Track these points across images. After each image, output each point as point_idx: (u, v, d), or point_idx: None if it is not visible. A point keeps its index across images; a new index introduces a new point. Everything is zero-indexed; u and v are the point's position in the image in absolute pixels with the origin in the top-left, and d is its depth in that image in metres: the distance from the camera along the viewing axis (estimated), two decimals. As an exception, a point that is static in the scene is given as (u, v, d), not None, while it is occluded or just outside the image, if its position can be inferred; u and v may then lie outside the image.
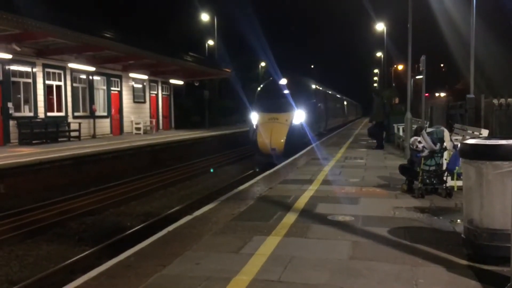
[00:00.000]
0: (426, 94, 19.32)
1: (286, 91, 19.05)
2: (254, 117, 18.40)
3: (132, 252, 4.97)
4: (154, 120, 28.98)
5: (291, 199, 7.58)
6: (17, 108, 18.48)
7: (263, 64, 53.74)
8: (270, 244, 5.10)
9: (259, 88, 21.91)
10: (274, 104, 18.49)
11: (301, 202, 7.34)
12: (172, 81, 31.26)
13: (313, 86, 23.29)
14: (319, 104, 23.05)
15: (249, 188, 8.82)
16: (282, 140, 17.30)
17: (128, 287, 3.97)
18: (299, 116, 18.10)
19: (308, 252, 4.82)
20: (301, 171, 11.15)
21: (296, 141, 17.42)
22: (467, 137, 9.00)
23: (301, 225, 5.88)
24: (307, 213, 6.60)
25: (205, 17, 39.21)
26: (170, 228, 5.90)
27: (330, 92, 31.01)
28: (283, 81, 20.04)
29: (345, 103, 44.68)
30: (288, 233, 5.54)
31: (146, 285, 4.02)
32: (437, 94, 52.38)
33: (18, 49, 17.06)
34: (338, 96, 38.10)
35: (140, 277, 4.18)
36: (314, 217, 6.32)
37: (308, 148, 17.11)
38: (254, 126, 18.11)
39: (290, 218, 6.27)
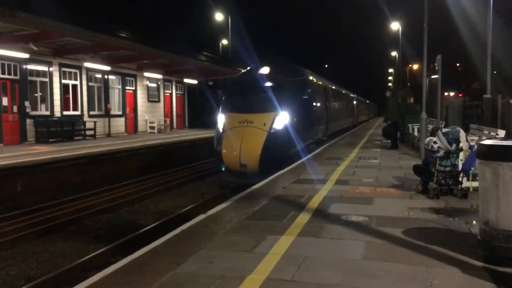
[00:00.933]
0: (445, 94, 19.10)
1: (268, 84, 13.78)
2: (221, 119, 13.21)
3: (147, 250, 5.01)
4: (168, 119, 29.16)
5: (304, 198, 7.57)
6: (34, 107, 18.75)
7: None
8: (283, 243, 5.10)
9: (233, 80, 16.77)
10: (249, 101, 13.40)
11: (315, 201, 7.32)
12: (186, 80, 31.41)
13: (308, 78, 16.93)
14: (316, 103, 17.14)
15: (262, 188, 8.83)
16: (256, 153, 11.95)
17: (143, 285, 4.01)
18: (283, 118, 12.76)
19: (321, 252, 4.81)
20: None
21: (278, 153, 12.20)
22: (484, 137, 8.90)
23: (315, 225, 5.87)
24: (321, 213, 6.58)
25: (219, 16, 39.30)
26: (184, 227, 5.93)
27: (333, 88, 24.83)
28: (265, 70, 14.47)
29: (354, 102, 38.83)
30: (301, 232, 5.54)
31: (161, 282, 4.06)
32: (446, 93, 51.77)
33: (35, 48, 17.31)
34: (343, 91, 31.24)
35: (154, 275, 4.22)
36: (328, 217, 6.31)
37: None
38: (220, 132, 12.92)
39: (303, 217, 6.26)
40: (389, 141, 16.79)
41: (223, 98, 14.91)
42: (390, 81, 79.25)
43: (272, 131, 12.41)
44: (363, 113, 50.00)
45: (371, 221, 6.03)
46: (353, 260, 4.55)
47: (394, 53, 58.00)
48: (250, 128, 12.42)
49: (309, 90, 16.06)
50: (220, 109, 13.88)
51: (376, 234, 5.42)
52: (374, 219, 6.14)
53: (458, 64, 62.27)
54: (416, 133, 15.99)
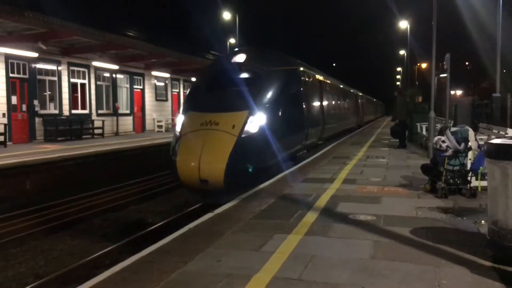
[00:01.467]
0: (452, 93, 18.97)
1: (243, 75, 11.11)
2: (179, 120, 10.44)
3: (154, 248, 5.03)
4: (175, 118, 29.23)
5: (312, 197, 7.55)
6: (43, 106, 18.88)
7: None
8: (290, 242, 5.10)
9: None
10: (216, 97, 10.58)
11: (322, 200, 7.31)
12: (194, 79, 31.48)
13: (297, 69, 13.57)
14: (308, 99, 14.09)
15: (269, 186, 8.83)
16: (221, 164, 9.05)
17: (151, 283, 4.02)
18: (259, 118, 9.89)
19: (329, 251, 4.80)
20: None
21: (251, 164, 9.38)
22: (493, 136, 8.85)
23: (322, 224, 5.86)
24: (328, 212, 6.57)
25: (227, 15, 39.33)
26: (191, 225, 5.94)
27: (332, 82, 21.25)
28: (240, 58, 11.66)
29: (359, 100, 35.40)
30: (309, 231, 5.53)
31: (168, 280, 4.07)
32: (452, 92, 51.40)
33: (44, 47, 17.42)
34: (345, 88, 27.17)
35: (162, 273, 4.23)
36: (335, 216, 6.29)
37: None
38: (177, 136, 10.10)
39: (311, 216, 6.25)
40: (397, 140, 16.72)
41: (187, 94, 12.37)
42: (398, 80, 78.92)
43: (243, 135, 9.48)
44: (369, 112, 47.10)
45: (378, 221, 6.01)
46: (361, 259, 4.53)
47: (402, 52, 57.77)
48: (214, 131, 9.53)
49: (298, 84, 13.00)
50: (181, 108, 11.34)
51: (383, 234, 5.40)
52: (382, 218, 6.12)
53: (467, 63, 61.92)
54: (424, 132, 15.90)
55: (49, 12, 14.92)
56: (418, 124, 17.75)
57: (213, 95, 10.65)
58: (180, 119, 10.47)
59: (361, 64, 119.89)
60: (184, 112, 10.58)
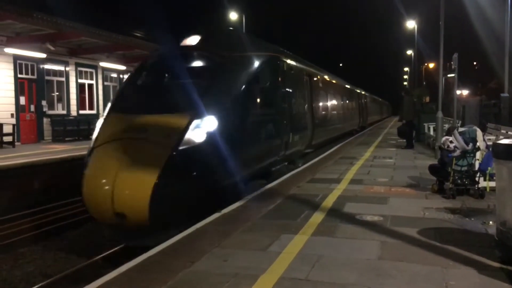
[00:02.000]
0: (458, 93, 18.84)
1: (194, 64, 8.46)
2: (98, 125, 7.74)
3: (162, 248, 5.04)
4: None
5: (319, 198, 7.54)
6: (51, 106, 19.01)
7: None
8: (297, 242, 5.09)
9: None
10: (148, 94, 8.09)
11: (329, 201, 7.30)
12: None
13: (272, 56, 10.39)
14: (289, 96, 11.02)
15: (277, 187, 8.83)
16: (143, 191, 6.29)
17: (158, 282, 4.03)
18: (208, 123, 7.19)
19: (336, 252, 4.79)
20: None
21: (192, 189, 6.78)
22: (501, 137, 8.80)
23: (329, 224, 5.85)
24: (335, 212, 6.55)
25: (233, 15, 39.36)
26: (198, 225, 5.95)
27: (324, 77, 17.90)
28: (192, 41, 9.05)
29: (363, 100, 32.81)
30: (315, 232, 5.52)
31: (175, 280, 4.08)
32: (459, 92, 51.11)
33: (52, 48, 17.54)
34: (343, 84, 23.55)
35: (169, 273, 4.24)
36: (342, 217, 6.28)
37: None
38: (90, 149, 7.36)
39: (317, 217, 6.24)
40: (404, 140, 16.66)
41: (117, 91, 9.64)
42: (405, 80, 78.65)
43: (182, 147, 6.72)
44: (374, 113, 44.36)
45: (386, 221, 5.99)
46: (368, 260, 4.52)
47: (410, 52, 57.58)
48: (139, 142, 6.80)
49: (274, 76, 10.05)
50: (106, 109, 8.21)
51: (391, 234, 5.39)
52: (389, 218, 6.10)
53: (475, 63, 61.59)
54: (432, 133, 15.82)
55: (57, 13, 15.03)
56: (426, 124, 17.69)
57: (146, 91, 8.06)
58: (99, 124, 7.65)
59: (368, 63, 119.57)
60: (108, 114, 7.78)
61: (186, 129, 6.92)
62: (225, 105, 7.63)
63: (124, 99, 8.19)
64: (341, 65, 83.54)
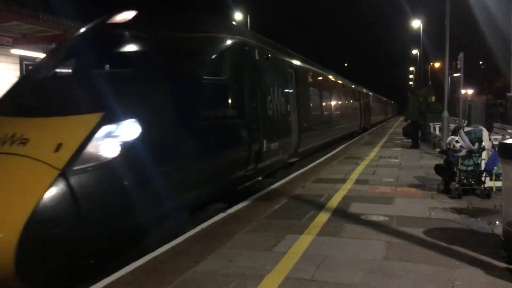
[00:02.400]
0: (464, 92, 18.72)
1: (114, 47, 6.13)
2: None
3: (167, 248, 5.05)
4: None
5: (324, 198, 7.54)
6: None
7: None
8: (303, 242, 5.09)
9: None
10: (39, 87, 5.88)
11: (334, 201, 7.29)
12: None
13: (232, 39, 7.85)
14: (258, 94, 8.42)
15: (281, 187, 8.82)
16: (9, 235, 3.90)
17: (163, 282, 4.05)
18: (123, 129, 4.87)
19: (341, 252, 4.79)
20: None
21: (90, 230, 4.35)
22: (507, 136, 8.75)
23: (334, 224, 5.84)
24: (340, 212, 6.54)
25: (238, 15, 39.40)
26: (204, 225, 5.96)
27: (312, 71, 14.88)
28: (123, 17, 6.64)
29: (365, 99, 29.96)
30: (321, 232, 5.52)
31: (181, 280, 4.09)
32: (463, 92, 50.88)
33: (58, 49, 17.60)
34: (336, 80, 20.49)
35: (174, 273, 4.25)
36: (347, 217, 6.27)
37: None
38: None
39: (323, 217, 6.24)
40: (410, 140, 16.61)
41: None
42: (411, 79, 78.40)
43: (77, 166, 4.46)
44: (378, 113, 41.84)
45: (391, 221, 5.98)
46: (373, 260, 4.51)
47: (415, 51, 57.37)
48: (7, 158, 4.55)
49: (237, 66, 7.67)
50: None
51: (396, 234, 5.37)
52: (394, 219, 6.09)
53: (481, 62, 61.30)
54: (437, 132, 15.76)
55: (63, 14, 15.12)
56: (432, 124, 17.62)
57: (38, 86, 5.95)
58: None
59: (373, 63, 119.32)
60: None
61: (88, 138, 4.63)
62: (155, 104, 5.52)
63: (6, 97, 5.87)
64: (346, 64, 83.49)
